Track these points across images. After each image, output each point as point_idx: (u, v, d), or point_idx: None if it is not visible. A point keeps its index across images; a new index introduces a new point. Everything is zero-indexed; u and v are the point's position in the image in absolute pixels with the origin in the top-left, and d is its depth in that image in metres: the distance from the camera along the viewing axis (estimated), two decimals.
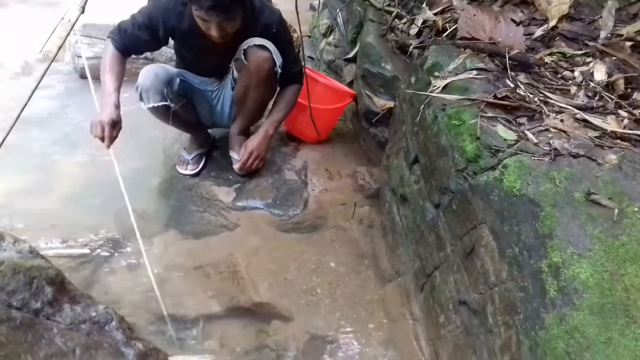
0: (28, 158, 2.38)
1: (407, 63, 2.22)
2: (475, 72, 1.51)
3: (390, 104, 2.22)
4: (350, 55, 2.73)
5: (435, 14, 2.12)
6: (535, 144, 1.21)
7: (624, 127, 1.27)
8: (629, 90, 1.44)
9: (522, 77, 1.50)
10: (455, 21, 1.90)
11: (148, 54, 3.03)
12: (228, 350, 1.58)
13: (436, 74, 1.60)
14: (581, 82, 1.48)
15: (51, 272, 1.32)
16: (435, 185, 1.49)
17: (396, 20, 2.38)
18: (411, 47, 2.16)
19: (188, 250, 1.93)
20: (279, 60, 1.97)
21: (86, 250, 1.86)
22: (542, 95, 1.41)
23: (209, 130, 2.41)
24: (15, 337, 1.13)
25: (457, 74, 1.53)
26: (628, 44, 1.60)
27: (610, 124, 1.28)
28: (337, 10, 3.11)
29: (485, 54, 1.61)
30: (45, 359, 1.14)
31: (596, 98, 1.41)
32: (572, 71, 1.53)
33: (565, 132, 1.24)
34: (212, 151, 2.38)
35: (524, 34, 1.71)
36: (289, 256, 1.92)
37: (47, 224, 1.95)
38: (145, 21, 1.88)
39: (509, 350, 1.07)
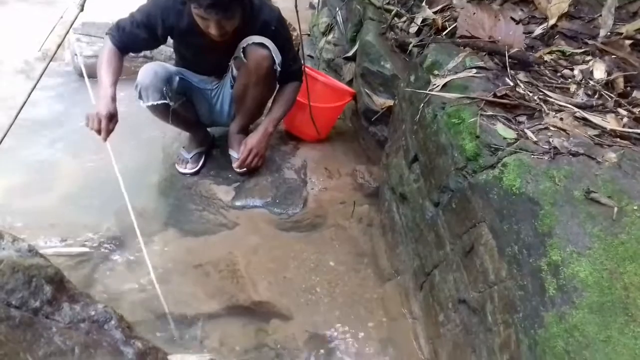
0: (27, 157, 2.38)
1: (406, 61, 2.22)
2: (474, 70, 1.51)
3: (390, 102, 2.22)
4: (350, 53, 2.73)
5: (435, 13, 2.12)
6: (535, 143, 1.20)
7: (624, 126, 1.27)
8: (628, 88, 1.44)
9: (521, 75, 1.50)
10: (455, 19, 1.89)
11: (147, 53, 3.02)
12: (227, 349, 1.58)
13: (436, 72, 1.60)
14: (581, 80, 1.47)
15: (50, 270, 1.31)
16: (435, 184, 1.49)
17: (396, 18, 2.37)
18: (411, 45, 2.16)
19: (187, 248, 1.93)
20: (278, 58, 1.96)
21: (85, 249, 1.86)
22: (541, 93, 1.41)
23: (208, 129, 2.41)
24: (14, 335, 1.12)
25: (456, 73, 1.53)
26: (628, 42, 1.60)
27: (609, 123, 1.28)
28: (337, 9, 3.10)
29: (484, 53, 1.61)
30: (44, 358, 1.14)
31: (596, 96, 1.41)
32: (572, 69, 1.53)
33: (564, 130, 1.24)
34: (211, 150, 2.38)
35: (524, 33, 1.71)
36: (288, 255, 1.92)
37: (46, 222, 1.95)
38: (144, 20, 1.87)
39: (509, 348, 1.07)
